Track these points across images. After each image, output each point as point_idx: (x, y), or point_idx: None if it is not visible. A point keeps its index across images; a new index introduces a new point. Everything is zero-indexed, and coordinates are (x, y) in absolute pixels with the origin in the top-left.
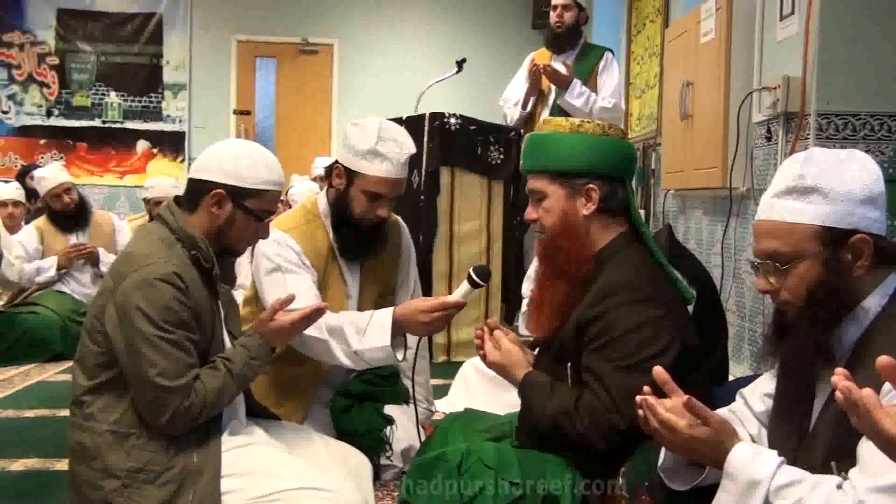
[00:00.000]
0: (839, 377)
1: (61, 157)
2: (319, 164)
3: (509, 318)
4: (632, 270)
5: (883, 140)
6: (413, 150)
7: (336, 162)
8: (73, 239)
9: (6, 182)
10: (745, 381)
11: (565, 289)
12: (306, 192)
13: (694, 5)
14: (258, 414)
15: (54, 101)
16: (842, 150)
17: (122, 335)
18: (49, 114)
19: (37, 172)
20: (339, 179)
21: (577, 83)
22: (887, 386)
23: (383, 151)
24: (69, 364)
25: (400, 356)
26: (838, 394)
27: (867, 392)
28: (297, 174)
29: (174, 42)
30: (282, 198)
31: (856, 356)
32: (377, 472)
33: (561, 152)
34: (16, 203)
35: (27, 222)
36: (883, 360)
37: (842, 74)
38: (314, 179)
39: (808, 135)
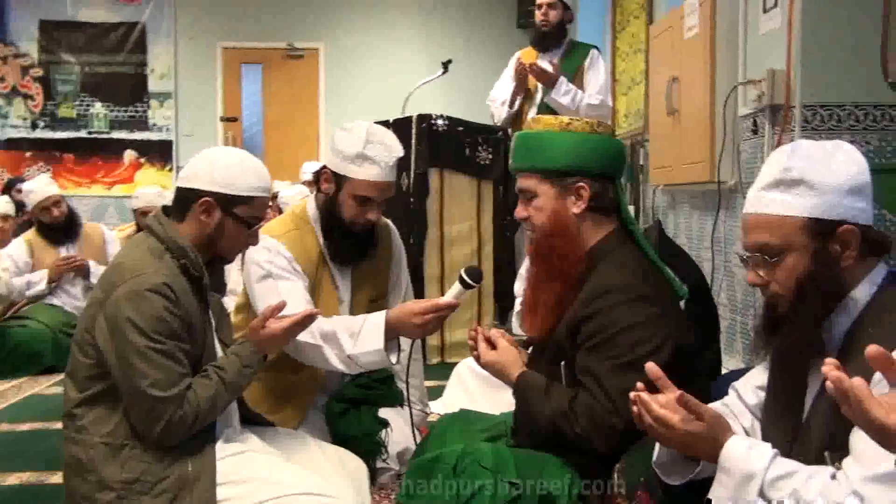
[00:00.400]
0: (829, 367)
1: (48, 170)
2: (308, 170)
3: (502, 318)
4: (625, 269)
5: (868, 130)
6: (401, 152)
7: (324, 167)
8: (62, 251)
9: None
10: (737, 375)
11: (558, 288)
12: (297, 196)
13: (677, 1)
14: (253, 421)
15: (39, 113)
16: (828, 141)
17: (114, 347)
18: (34, 126)
19: (25, 185)
20: (328, 184)
21: (563, 81)
22: (878, 375)
23: (371, 155)
24: (62, 377)
25: (394, 359)
26: (829, 383)
27: (857, 381)
28: (279, 180)
29: (159, 51)
30: (270, 203)
31: (847, 346)
32: (373, 475)
33: (550, 151)
34: (5, 217)
35: (14, 236)
36: (872, 349)
37: (826, 66)
38: (304, 184)
39: (794, 127)
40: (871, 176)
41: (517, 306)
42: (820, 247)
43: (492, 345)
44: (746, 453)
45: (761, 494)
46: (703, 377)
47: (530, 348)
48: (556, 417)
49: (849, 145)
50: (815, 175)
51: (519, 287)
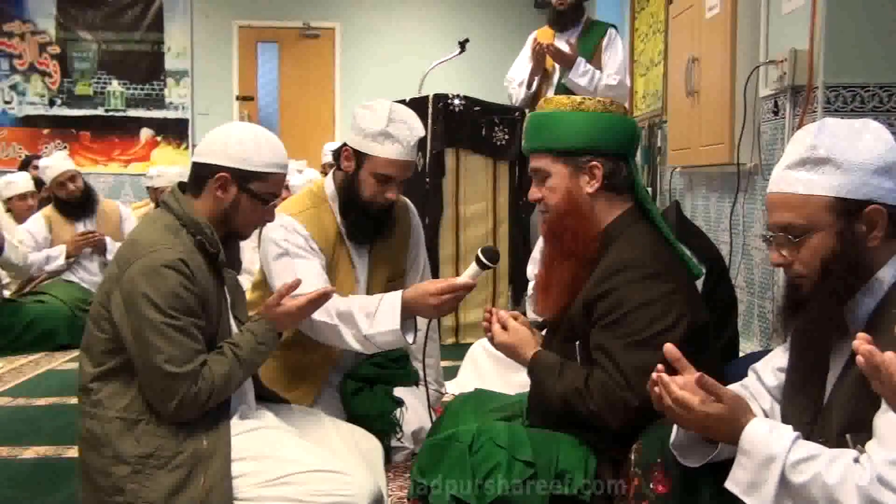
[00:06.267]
0: (861, 341)
1: (65, 147)
2: (328, 151)
3: (517, 299)
4: (640, 247)
5: (892, 112)
6: (423, 132)
7: (345, 145)
8: (80, 227)
9: (15, 173)
10: (755, 357)
11: (572, 268)
12: (307, 183)
13: None
14: (268, 399)
15: (56, 90)
16: (855, 119)
17: (129, 322)
18: (52, 103)
19: (42, 161)
20: (348, 162)
21: (581, 61)
22: None
23: (394, 133)
24: (78, 353)
25: (410, 339)
26: (859, 358)
27: (889, 355)
28: (294, 159)
29: (175, 29)
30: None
31: (871, 328)
32: (388, 454)
33: (563, 130)
34: (32, 194)
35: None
36: None
37: (850, 46)
38: (323, 167)
39: (816, 108)
40: None
41: (529, 290)
42: (845, 227)
43: (504, 328)
44: (767, 436)
45: (782, 477)
46: (717, 356)
47: (544, 330)
48: (570, 395)
49: (877, 124)
50: (842, 154)
51: (531, 271)
